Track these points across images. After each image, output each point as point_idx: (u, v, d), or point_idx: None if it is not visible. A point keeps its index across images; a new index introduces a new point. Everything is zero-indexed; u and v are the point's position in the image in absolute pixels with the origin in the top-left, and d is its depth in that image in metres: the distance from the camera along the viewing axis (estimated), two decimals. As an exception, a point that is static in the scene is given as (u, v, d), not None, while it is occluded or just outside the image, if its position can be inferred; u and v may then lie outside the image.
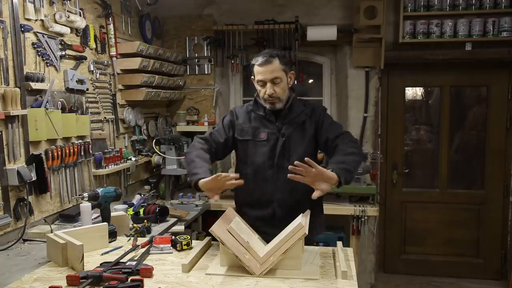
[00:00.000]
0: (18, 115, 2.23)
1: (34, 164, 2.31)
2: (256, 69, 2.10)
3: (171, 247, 1.97)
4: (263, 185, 2.14)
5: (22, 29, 2.29)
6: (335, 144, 2.06)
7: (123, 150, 3.25)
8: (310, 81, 4.32)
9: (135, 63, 3.20)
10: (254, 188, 2.15)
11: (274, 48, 2.18)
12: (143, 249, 1.95)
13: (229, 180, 1.85)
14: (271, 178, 2.13)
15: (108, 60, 3.13)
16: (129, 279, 1.58)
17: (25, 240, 2.23)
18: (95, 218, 2.39)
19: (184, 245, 1.97)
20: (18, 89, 2.23)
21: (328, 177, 1.79)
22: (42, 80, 2.40)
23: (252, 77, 2.17)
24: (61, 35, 2.62)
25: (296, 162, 1.76)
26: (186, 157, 2.14)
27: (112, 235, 2.12)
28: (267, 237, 1.94)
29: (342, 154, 1.97)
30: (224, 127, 2.23)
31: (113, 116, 3.21)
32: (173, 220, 2.83)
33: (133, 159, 3.30)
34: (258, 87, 2.13)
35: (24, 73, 2.30)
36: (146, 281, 1.60)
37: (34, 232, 2.29)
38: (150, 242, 2.01)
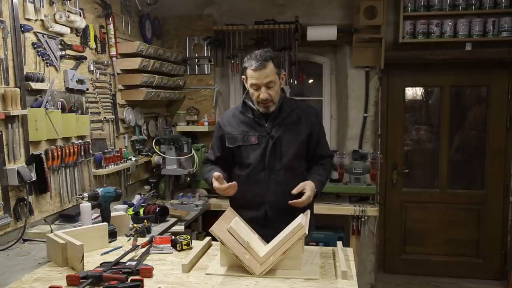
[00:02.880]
0: (18, 115, 2.23)
1: (34, 164, 2.30)
2: (250, 73, 2.11)
3: (171, 247, 1.97)
4: (256, 187, 2.18)
5: (22, 29, 2.29)
6: (319, 159, 2.29)
7: (123, 150, 3.25)
8: (310, 81, 4.32)
9: (135, 63, 3.20)
10: (247, 189, 2.18)
11: (266, 49, 2.18)
12: (143, 249, 1.95)
13: (226, 191, 2.05)
14: (263, 180, 2.17)
15: (108, 60, 3.13)
16: (129, 279, 1.58)
17: (25, 240, 2.23)
18: (95, 218, 2.39)
19: (184, 245, 1.97)
20: (18, 89, 2.23)
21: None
22: (42, 80, 2.40)
23: (243, 77, 2.20)
24: (61, 35, 2.62)
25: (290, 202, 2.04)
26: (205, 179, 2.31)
27: (112, 235, 2.12)
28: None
29: (323, 169, 2.28)
30: (215, 143, 2.33)
31: (113, 116, 3.21)
32: (173, 220, 2.83)
33: (133, 159, 3.30)
34: (251, 90, 2.15)
35: (24, 73, 2.30)
36: (146, 281, 1.60)
37: (34, 232, 2.29)
38: (150, 242, 2.01)
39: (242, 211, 2.15)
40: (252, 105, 2.20)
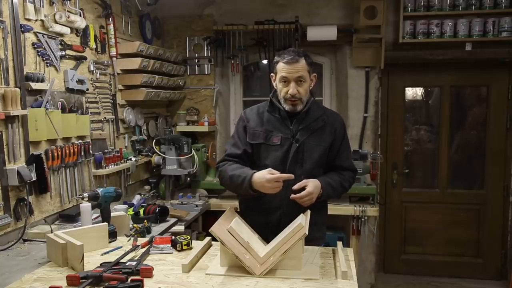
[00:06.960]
0: (18, 115, 2.23)
1: (34, 164, 2.30)
2: (281, 66, 2.03)
3: (171, 247, 1.97)
4: None
5: (22, 29, 2.29)
6: (337, 170, 2.17)
7: (123, 150, 3.25)
8: (310, 81, 4.32)
9: (135, 63, 3.20)
10: (263, 192, 2.06)
11: (299, 49, 2.14)
12: (143, 249, 1.95)
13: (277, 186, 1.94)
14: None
15: (108, 60, 3.13)
16: (129, 279, 1.58)
17: (25, 240, 2.23)
18: (95, 218, 2.39)
19: (184, 245, 1.97)
20: (18, 89, 2.23)
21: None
22: (42, 80, 2.40)
23: (272, 74, 2.11)
24: (61, 35, 2.62)
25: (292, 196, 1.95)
26: (224, 180, 2.13)
27: (112, 235, 2.12)
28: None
29: (338, 176, 2.15)
30: (240, 135, 2.18)
31: (113, 116, 3.21)
32: (173, 220, 2.83)
33: (133, 159, 3.29)
34: (279, 85, 2.06)
35: (24, 73, 2.30)
36: (146, 281, 1.60)
37: (34, 232, 2.28)
38: (150, 242, 2.01)
39: (255, 215, 2.10)
40: (278, 104, 2.10)
